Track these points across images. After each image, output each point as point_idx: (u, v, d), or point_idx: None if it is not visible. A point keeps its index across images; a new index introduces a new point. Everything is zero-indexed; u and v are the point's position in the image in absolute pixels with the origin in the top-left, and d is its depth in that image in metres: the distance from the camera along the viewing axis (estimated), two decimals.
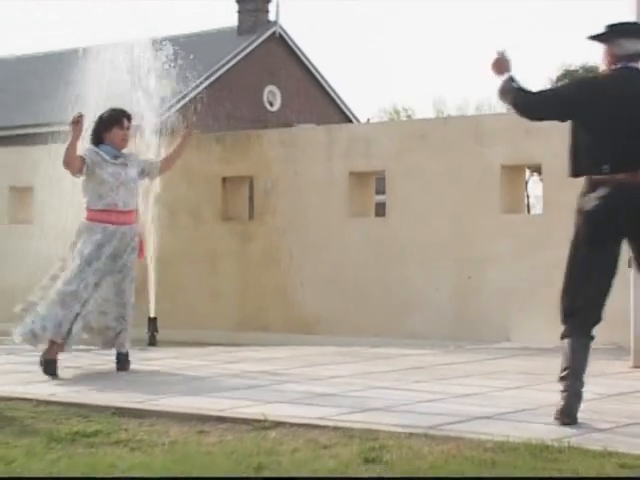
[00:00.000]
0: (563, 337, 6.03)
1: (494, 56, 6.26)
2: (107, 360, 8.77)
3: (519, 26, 77.86)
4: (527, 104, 6.17)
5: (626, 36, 6.06)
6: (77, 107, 11.74)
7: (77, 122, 7.84)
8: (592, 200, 5.92)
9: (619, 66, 6.08)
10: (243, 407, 6.24)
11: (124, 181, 8.08)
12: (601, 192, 5.87)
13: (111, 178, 8.03)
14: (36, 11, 79.87)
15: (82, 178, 8.11)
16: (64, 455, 5.01)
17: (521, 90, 6.13)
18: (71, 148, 7.99)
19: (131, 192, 8.17)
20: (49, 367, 7.85)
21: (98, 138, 8.15)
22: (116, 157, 8.15)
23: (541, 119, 6.45)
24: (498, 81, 6.23)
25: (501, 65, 6.21)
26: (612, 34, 6.13)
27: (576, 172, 6.06)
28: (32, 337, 7.96)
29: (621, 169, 5.85)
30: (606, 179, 5.87)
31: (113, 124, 8.12)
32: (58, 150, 13.26)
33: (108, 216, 8.05)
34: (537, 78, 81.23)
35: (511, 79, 6.17)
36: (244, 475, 4.52)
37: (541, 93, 6.25)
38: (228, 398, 6.61)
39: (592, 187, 5.94)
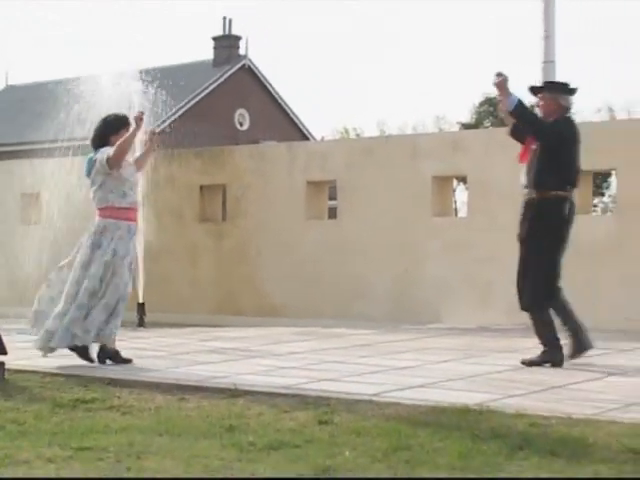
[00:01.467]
0: (547, 308, 6.89)
1: (497, 78, 6.69)
2: None
3: (446, 57, 78.08)
4: (542, 129, 6.75)
5: (568, 93, 6.93)
6: (75, 127, 11.68)
7: (141, 119, 7.14)
8: (565, 209, 6.71)
9: (566, 115, 6.87)
10: (217, 378, 6.23)
11: (136, 181, 7.44)
12: (567, 204, 6.73)
13: (130, 177, 7.24)
14: (36, 11, 78.30)
15: (99, 176, 7.15)
16: (67, 418, 4.99)
17: (534, 114, 6.84)
18: (128, 143, 7.15)
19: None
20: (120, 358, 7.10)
21: (103, 140, 7.24)
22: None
23: (538, 140, 6.84)
24: (506, 100, 6.68)
25: (503, 85, 6.71)
26: (558, 89, 6.92)
27: (547, 187, 6.74)
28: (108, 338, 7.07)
29: (572, 189, 6.79)
30: (567, 195, 6.74)
31: (121, 127, 7.25)
32: (62, 163, 13.23)
33: (132, 214, 7.21)
34: (461, 104, 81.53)
35: (521, 101, 6.72)
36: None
37: (548, 123, 6.82)
38: (204, 370, 6.59)
39: (561, 200, 6.73)
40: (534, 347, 8.06)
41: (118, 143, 7.12)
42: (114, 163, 7.11)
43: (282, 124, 35.18)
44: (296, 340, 8.88)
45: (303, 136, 35.49)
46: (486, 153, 10.67)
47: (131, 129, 7.17)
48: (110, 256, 7.01)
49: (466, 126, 45.26)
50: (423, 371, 6.62)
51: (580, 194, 10.22)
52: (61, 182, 12.36)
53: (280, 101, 35.94)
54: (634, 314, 9.51)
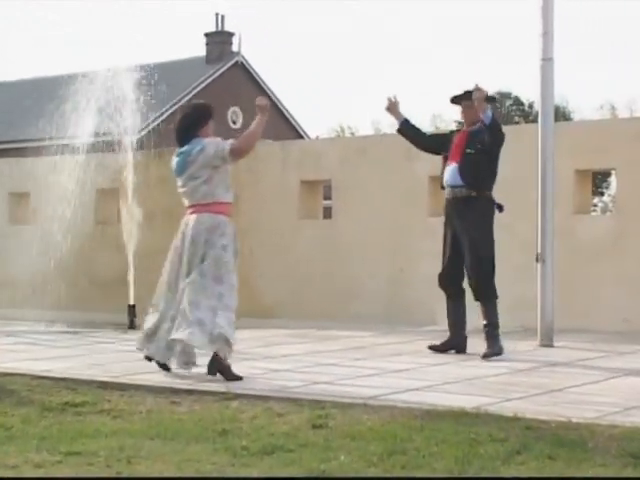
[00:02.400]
0: (495, 298, 7.69)
1: (477, 93, 7.51)
2: (91, 341, 8.74)
3: (444, 56, 78.18)
4: (503, 137, 7.74)
5: (490, 100, 7.79)
6: (64, 124, 11.68)
7: (266, 107, 6.68)
8: (494, 207, 7.73)
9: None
10: (209, 381, 6.22)
11: None
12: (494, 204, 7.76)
13: (228, 170, 6.78)
14: (36, 11, 78.19)
15: (204, 170, 6.61)
16: (55, 422, 4.97)
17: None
18: (259, 134, 6.72)
19: None
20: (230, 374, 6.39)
21: (192, 132, 6.68)
22: None
23: (497, 146, 7.79)
24: (483, 114, 7.52)
25: (483, 100, 7.48)
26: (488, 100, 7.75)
27: (486, 187, 7.75)
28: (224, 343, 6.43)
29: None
30: (491, 196, 7.76)
31: (208, 118, 6.76)
32: (50, 162, 13.21)
33: (233, 209, 6.92)
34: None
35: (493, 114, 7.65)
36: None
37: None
38: (196, 373, 6.58)
39: (492, 199, 7.75)
40: (532, 349, 8.07)
41: (249, 134, 6.68)
42: (239, 155, 6.69)
43: (276, 122, 35.13)
44: (290, 342, 8.87)
45: (297, 135, 35.52)
46: None
47: (258, 118, 6.64)
48: (222, 251, 6.56)
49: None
50: (419, 374, 6.62)
51: (579, 193, 10.26)
52: (52, 181, 12.35)
53: (274, 99, 35.93)
54: (633, 315, 9.52)
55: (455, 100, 7.96)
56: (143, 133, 12.97)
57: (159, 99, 14.13)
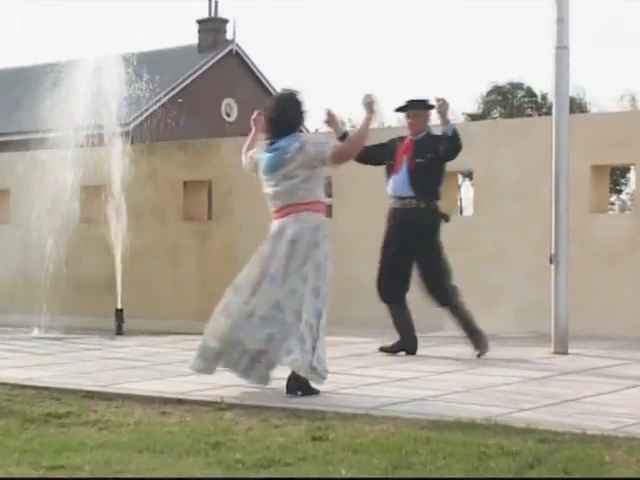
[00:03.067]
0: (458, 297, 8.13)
1: (439, 103, 7.84)
2: (76, 347, 8.73)
3: (452, 46, 78.24)
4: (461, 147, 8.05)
5: (431, 109, 8.16)
6: (47, 117, 11.68)
7: (373, 105, 6.45)
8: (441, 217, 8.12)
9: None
10: (202, 390, 6.22)
11: None
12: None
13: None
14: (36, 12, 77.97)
15: (303, 170, 6.28)
16: (37, 434, 4.97)
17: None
18: (366, 136, 6.51)
19: None
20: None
21: (292, 127, 6.35)
22: None
23: (454, 157, 8.17)
24: (447, 125, 7.88)
25: (446, 111, 7.80)
26: (428, 107, 8.15)
27: (434, 198, 8.11)
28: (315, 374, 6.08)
29: None
30: (438, 206, 8.17)
31: (304, 111, 6.46)
32: (32, 156, 13.21)
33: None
34: (467, 94, 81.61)
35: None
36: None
37: None
38: (188, 382, 6.57)
39: (437, 210, 8.12)
40: (546, 356, 8.07)
41: (355, 138, 6.53)
42: (341, 161, 6.44)
43: None
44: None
45: None
46: (494, 146, 10.68)
47: (365, 119, 6.46)
48: (323, 258, 6.40)
49: (472, 117, 45.34)
50: (425, 383, 6.62)
51: (596, 191, 10.25)
52: (33, 177, 12.35)
53: (271, 90, 35.92)
54: None
55: (402, 109, 8.24)
56: (131, 126, 12.97)
57: (148, 90, 14.12)
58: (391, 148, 8.24)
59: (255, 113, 6.81)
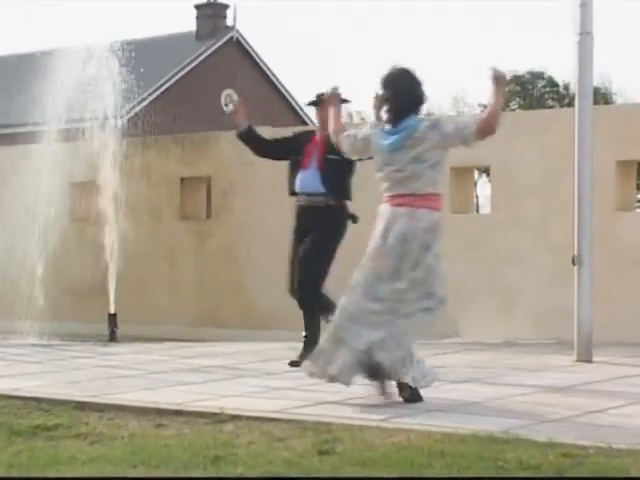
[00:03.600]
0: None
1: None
2: (66, 355, 8.73)
3: (469, 34, 78.24)
4: None
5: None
6: (34, 108, 11.69)
7: (502, 78, 6.19)
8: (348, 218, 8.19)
9: None
10: (200, 401, 6.22)
11: None
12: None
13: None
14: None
15: (435, 152, 6.21)
16: (25, 448, 4.97)
17: None
18: (500, 109, 6.22)
19: None
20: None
21: (414, 110, 6.32)
22: None
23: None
24: None
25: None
26: (343, 101, 7.62)
27: (345, 197, 8.15)
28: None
29: None
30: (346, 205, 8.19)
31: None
32: (18, 150, 13.21)
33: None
34: (483, 84, 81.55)
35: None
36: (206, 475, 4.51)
37: None
38: (186, 392, 6.58)
39: (346, 209, 8.15)
40: (568, 365, 8.06)
41: (493, 112, 6.13)
42: (485, 136, 6.18)
43: (276, 106, 35.21)
44: (291, 357, 8.87)
45: (300, 120, 35.54)
46: (512, 141, 10.66)
47: (496, 93, 6.14)
48: (435, 260, 6.27)
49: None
50: (439, 392, 6.62)
51: (622, 187, 10.24)
52: (19, 173, 12.36)
53: (274, 80, 35.99)
54: None
55: (314, 103, 8.23)
56: (125, 118, 12.99)
57: (142, 80, 14.14)
58: (298, 143, 8.26)
59: (330, 89, 6.97)
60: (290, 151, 8.26)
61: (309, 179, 8.08)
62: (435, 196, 6.28)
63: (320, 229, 8.04)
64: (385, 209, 6.30)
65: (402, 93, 6.26)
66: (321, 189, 8.04)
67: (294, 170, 8.19)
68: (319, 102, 8.16)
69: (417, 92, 6.31)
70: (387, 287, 6.18)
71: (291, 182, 8.22)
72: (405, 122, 6.22)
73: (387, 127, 6.30)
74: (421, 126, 6.18)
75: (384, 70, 6.39)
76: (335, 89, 6.86)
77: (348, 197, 8.17)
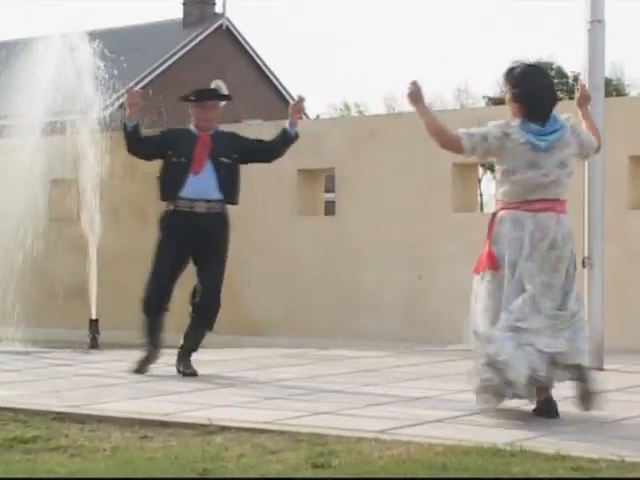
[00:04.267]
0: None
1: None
2: (45, 363, 8.72)
3: (473, 22, 78.27)
4: None
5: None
6: (8, 100, 11.68)
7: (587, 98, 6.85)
8: None
9: None
10: (188, 411, 6.22)
11: None
12: None
13: None
14: None
15: (573, 160, 6.34)
16: (1, 462, 4.97)
17: None
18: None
19: None
20: None
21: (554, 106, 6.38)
22: None
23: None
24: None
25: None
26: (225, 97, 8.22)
27: (235, 202, 8.23)
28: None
29: None
30: None
31: None
32: None
33: None
34: (488, 75, 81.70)
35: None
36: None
37: None
38: (172, 402, 6.58)
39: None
40: None
41: (596, 129, 6.57)
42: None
43: (268, 99, 35.25)
44: (285, 364, 8.88)
45: None
46: None
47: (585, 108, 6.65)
48: (574, 267, 6.24)
49: (494, 101, 45.33)
50: (441, 402, 6.63)
51: (635, 185, 10.26)
52: None
53: (265, 70, 36.01)
54: None
55: (202, 97, 8.33)
56: (107, 111, 12.99)
57: (126, 70, 14.13)
58: (172, 142, 8.18)
59: (412, 84, 6.60)
60: (163, 149, 8.16)
61: (205, 184, 8.03)
62: (565, 202, 6.23)
63: (220, 239, 8.20)
64: (523, 215, 6.14)
65: (547, 92, 6.30)
66: (219, 195, 8.08)
67: (176, 172, 8.04)
68: (198, 98, 8.26)
69: (555, 93, 6.47)
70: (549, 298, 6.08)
71: (172, 185, 8.08)
72: (554, 123, 6.18)
73: (533, 126, 6.14)
74: (567, 130, 6.20)
75: (514, 65, 6.35)
76: (302, 99, 7.52)
77: (237, 202, 8.27)
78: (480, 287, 6.30)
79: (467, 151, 6.44)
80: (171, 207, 8.14)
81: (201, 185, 8.04)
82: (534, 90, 6.21)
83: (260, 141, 8.48)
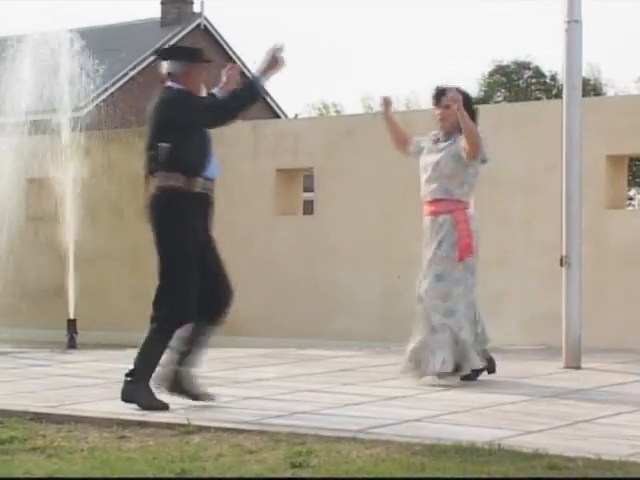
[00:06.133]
0: None
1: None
2: (22, 363, 8.69)
3: (449, 21, 78.39)
4: None
5: (165, 58, 7.49)
6: None
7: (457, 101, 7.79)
8: None
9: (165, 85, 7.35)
10: (166, 411, 6.21)
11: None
12: None
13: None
14: None
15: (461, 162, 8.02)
16: None
17: None
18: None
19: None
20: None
21: None
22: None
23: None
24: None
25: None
26: (157, 58, 7.55)
27: None
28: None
29: None
30: None
31: None
32: None
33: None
34: (469, 73, 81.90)
35: None
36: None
37: None
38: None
39: None
40: (556, 371, 8.10)
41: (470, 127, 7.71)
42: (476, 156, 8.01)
43: None
44: (263, 364, 8.87)
45: (272, 113, 35.54)
46: (496, 135, 10.69)
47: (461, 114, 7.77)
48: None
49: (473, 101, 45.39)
50: (419, 402, 6.63)
51: (612, 184, 10.30)
52: None
53: (244, 70, 35.93)
54: None
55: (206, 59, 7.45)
56: (85, 111, 12.95)
57: (104, 70, 14.09)
58: None
59: (385, 99, 8.03)
60: None
61: (215, 161, 6.76)
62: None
63: (210, 221, 6.88)
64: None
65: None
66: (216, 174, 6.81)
67: (208, 145, 6.76)
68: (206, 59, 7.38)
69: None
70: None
71: (203, 161, 6.66)
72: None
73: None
74: None
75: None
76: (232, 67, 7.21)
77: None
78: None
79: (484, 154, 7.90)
80: (194, 188, 6.54)
81: (217, 167, 6.79)
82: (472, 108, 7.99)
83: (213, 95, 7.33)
